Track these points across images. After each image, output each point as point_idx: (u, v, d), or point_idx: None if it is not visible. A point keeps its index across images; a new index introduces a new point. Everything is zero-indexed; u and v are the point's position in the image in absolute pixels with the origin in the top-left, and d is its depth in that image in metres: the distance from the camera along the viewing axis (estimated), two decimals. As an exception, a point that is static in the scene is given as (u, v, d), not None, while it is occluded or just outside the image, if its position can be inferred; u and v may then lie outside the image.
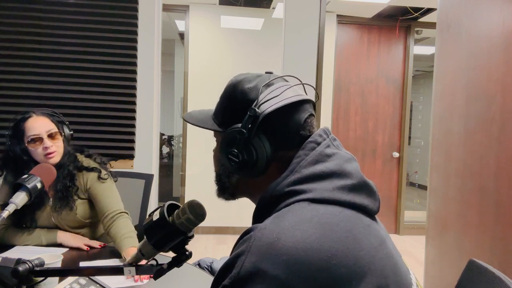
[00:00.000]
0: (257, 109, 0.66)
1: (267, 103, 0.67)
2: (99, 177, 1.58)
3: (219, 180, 0.75)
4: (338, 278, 0.53)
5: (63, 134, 1.56)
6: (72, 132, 1.61)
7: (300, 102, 0.70)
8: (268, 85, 0.70)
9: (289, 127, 0.69)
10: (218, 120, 0.74)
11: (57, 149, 1.50)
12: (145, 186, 2.02)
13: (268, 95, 0.68)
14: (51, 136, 1.49)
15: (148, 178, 2.04)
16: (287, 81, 0.75)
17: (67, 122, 1.61)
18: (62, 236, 1.53)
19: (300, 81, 0.77)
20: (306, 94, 0.76)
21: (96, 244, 1.53)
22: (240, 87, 0.71)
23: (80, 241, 1.52)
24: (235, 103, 0.71)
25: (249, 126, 0.66)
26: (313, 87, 0.78)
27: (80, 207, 1.57)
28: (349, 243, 0.56)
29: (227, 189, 0.75)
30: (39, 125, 1.48)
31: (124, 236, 1.43)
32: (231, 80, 0.74)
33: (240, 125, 0.67)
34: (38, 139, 1.46)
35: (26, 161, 1.46)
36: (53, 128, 1.51)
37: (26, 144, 1.46)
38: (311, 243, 0.54)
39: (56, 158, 1.50)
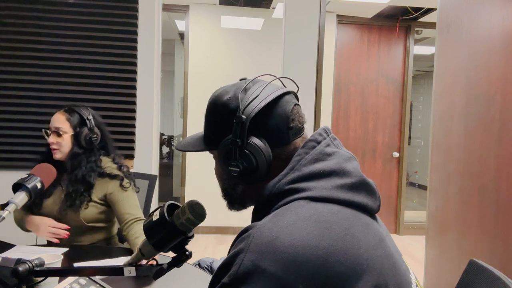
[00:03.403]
0: (242, 115, 0.67)
1: (250, 106, 0.68)
2: (121, 185, 1.59)
3: (226, 194, 0.76)
4: (336, 275, 0.53)
5: (73, 135, 1.57)
6: (92, 136, 1.58)
7: (281, 95, 0.71)
8: (245, 89, 0.71)
9: (278, 122, 0.69)
10: (210, 139, 0.75)
11: (58, 147, 1.55)
12: (148, 187, 2.00)
13: (248, 99, 0.69)
14: (56, 133, 1.56)
15: (152, 178, 2.02)
16: (263, 80, 0.76)
17: (92, 126, 1.59)
18: (30, 221, 1.54)
19: (275, 76, 0.77)
20: (285, 87, 0.77)
21: (62, 226, 1.52)
22: (220, 101, 0.72)
23: (44, 230, 1.50)
24: (220, 118, 0.72)
25: (239, 133, 0.67)
26: (289, 78, 0.79)
27: (89, 210, 1.57)
28: (347, 241, 0.56)
29: (236, 200, 0.76)
30: (54, 120, 1.58)
31: (140, 236, 1.43)
32: (210, 98, 0.75)
33: (231, 135, 0.68)
34: (48, 133, 1.58)
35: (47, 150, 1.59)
36: (62, 126, 1.56)
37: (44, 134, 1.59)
38: (309, 241, 0.54)
39: (57, 155, 1.56)
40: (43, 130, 1.60)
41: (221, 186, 0.77)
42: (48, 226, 1.50)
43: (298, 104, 0.74)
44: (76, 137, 1.57)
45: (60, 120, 1.57)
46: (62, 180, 1.61)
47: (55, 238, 1.50)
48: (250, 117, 0.67)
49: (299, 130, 0.71)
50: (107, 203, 1.61)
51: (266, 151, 0.68)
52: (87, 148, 1.59)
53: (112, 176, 1.59)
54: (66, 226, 1.52)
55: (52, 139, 1.55)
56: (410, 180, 7.13)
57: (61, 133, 1.55)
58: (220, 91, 0.74)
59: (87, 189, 1.56)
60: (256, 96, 0.69)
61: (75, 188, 1.55)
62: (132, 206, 1.57)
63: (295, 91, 0.77)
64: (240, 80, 0.76)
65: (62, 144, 1.56)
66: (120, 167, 1.64)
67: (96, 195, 1.58)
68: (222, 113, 0.71)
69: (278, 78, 0.77)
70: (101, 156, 1.65)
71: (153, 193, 2.01)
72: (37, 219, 1.54)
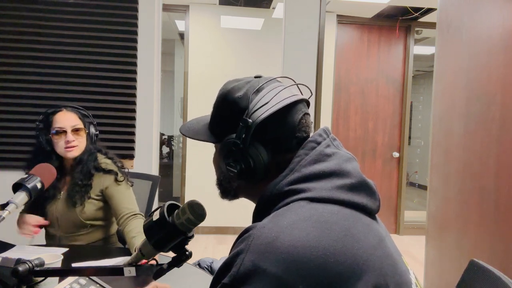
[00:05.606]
0: (248, 119, 0.66)
1: (259, 111, 0.67)
2: (116, 180, 1.62)
3: (220, 184, 0.76)
4: (336, 275, 0.53)
5: (87, 131, 1.63)
6: (97, 133, 1.69)
7: (292, 103, 0.69)
8: (258, 90, 0.69)
9: (284, 131, 0.69)
10: (214, 130, 0.74)
11: (78, 144, 1.58)
12: (151, 187, 2.00)
13: (258, 102, 0.67)
14: (75, 130, 1.58)
15: (155, 179, 2.02)
16: (279, 81, 0.75)
17: (95, 122, 1.69)
18: (20, 220, 1.54)
19: (294, 81, 0.76)
20: (301, 92, 0.76)
21: (41, 222, 1.53)
22: (230, 97, 0.70)
23: (23, 228, 1.51)
24: (227, 114, 0.71)
25: (243, 136, 0.66)
26: (305, 85, 0.77)
27: (86, 207, 1.59)
28: (347, 241, 0.56)
29: (229, 192, 0.76)
30: (66, 119, 1.58)
31: (136, 236, 1.44)
32: (221, 89, 0.74)
33: (234, 135, 0.68)
34: (62, 132, 1.55)
35: (48, 152, 1.56)
36: (78, 124, 1.60)
37: (50, 135, 1.55)
38: (309, 241, 0.54)
39: (75, 152, 1.58)
40: (50, 135, 1.56)
41: (217, 175, 0.77)
42: (27, 225, 1.50)
43: (307, 113, 0.73)
44: (89, 134, 1.64)
45: (74, 118, 1.60)
46: (65, 182, 1.63)
47: (28, 235, 1.50)
48: (257, 122, 0.66)
49: (304, 140, 0.70)
50: (104, 199, 1.63)
51: (266, 157, 0.68)
52: (95, 144, 1.67)
53: (107, 171, 1.63)
54: (45, 222, 1.54)
55: (71, 137, 1.55)
56: (410, 180, 7.13)
57: (78, 130, 1.59)
58: (233, 85, 0.72)
59: (87, 179, 1.59)
60: (268, 101, 0.67)
61: (80, 179, 1.58)
62: (127, 200, 1.60)
63: (308, 97, 0.75)
64: (255, 77, 0.74)
65: (82, 141, 1.60)
66: (114, 162, 1.68)
67: (93, 191, 1.61)
68: (230, 110, 0.70)
69: (297, 85, 0.76)
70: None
71: (155, 194, 2.00)
72: (26, 217, 1.53)
